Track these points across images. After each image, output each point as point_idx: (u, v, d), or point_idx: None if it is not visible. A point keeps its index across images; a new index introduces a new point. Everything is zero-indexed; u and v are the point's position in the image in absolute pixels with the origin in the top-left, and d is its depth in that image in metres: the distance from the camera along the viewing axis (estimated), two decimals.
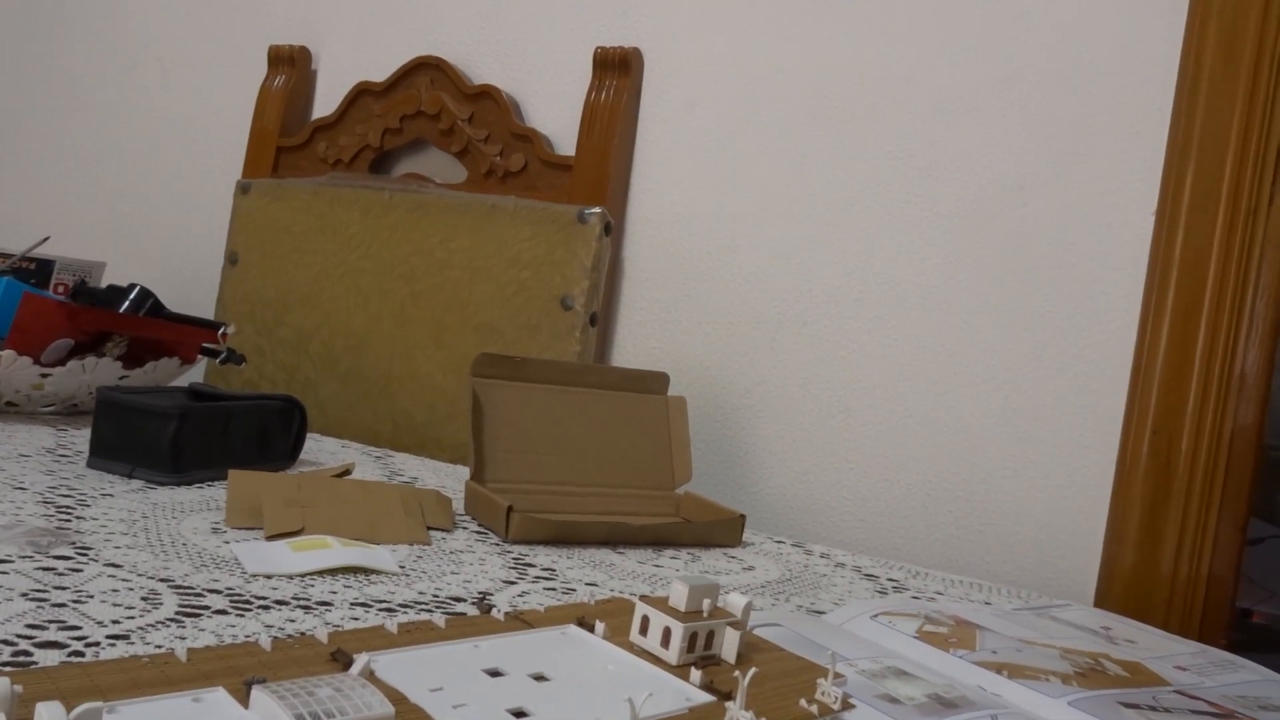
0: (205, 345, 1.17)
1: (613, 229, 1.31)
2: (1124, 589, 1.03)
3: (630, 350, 1.34)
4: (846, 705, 0.52)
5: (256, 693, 0.42)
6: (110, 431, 0.88)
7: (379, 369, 1.37)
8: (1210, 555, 1.03)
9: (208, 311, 1.55)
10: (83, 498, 0.78)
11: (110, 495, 0.80)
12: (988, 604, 0.82)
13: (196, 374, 1.45)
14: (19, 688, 0.39)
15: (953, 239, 1.16)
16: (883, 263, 1.20)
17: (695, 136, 1.32)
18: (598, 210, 1.29)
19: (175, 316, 1.20)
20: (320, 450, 1.12)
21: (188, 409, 0.88)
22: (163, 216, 1.80)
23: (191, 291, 1.58)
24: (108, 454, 0.88)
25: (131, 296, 1.16)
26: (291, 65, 1.60)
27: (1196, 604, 1.02)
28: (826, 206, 1.23)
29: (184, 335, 1.16)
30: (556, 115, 1.41)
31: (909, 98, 1.20)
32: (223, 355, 1.17)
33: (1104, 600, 1.03)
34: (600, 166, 1.33)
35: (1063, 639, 0.73)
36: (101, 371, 1.09)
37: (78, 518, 0.73)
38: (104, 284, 1.32)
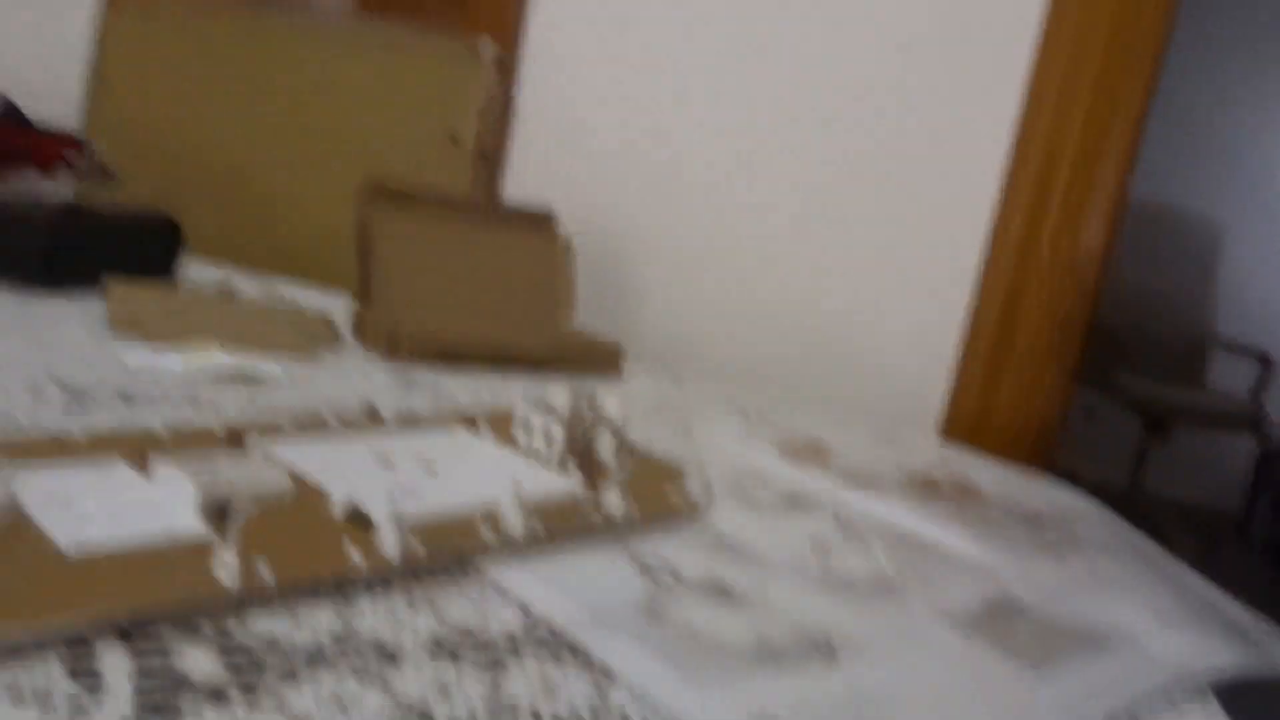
0: (69, 159, 1.12)
1: (506, 66, 1.29)
2: (964, 427, 1.13)
3: (520, 191, 1.34)
4: (710, 500, 0.58)
5: (158, 463, 0.44)
6: None
7: (260, 197, 1.34)
8: (1041, 403, 1.14)
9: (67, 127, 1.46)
10: None
11: None
12: (843, 430, 0.89)
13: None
14: None
15: (832, 102, 1.20)
16: (764, 122, 1.23)
17: None
18: (491, 45, 1.27)
19: (33, 125, 1.14)
20: (200, 276, 1.10)
21: (61, 217, 0.85)
22: (13, 32, 1.66)
23: (52, 112, 1.48)
24: None
25: None
26: None
27: (1025, 444, 1.14)
28: (718, 52, 1.25)
29: (47, 145, 1.11)
30: None
31: None
32: (90, 171, 1.12)
33: (946, 435, 1.14)
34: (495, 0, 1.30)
35: (904, 461, 0.81)
36: None
37: None
38: None
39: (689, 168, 1.27)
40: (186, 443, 0.50)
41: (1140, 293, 3.23)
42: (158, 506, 0.42)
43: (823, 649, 0.42)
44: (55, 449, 0.46)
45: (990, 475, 0.83)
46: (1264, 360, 3.11)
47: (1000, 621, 0.49)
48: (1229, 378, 3.24)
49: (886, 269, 1.19)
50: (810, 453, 0.76)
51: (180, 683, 0.31)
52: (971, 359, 1.15)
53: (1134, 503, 3.09)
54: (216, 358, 0.72)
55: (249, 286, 1.08)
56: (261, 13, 1.39)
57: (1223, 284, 3.37)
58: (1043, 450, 1.18)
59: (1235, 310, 3.42)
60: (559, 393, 0.60)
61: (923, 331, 1.17)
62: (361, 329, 0.91)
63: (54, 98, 1.50)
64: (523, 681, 0.35)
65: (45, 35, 1.62)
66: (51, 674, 0.31)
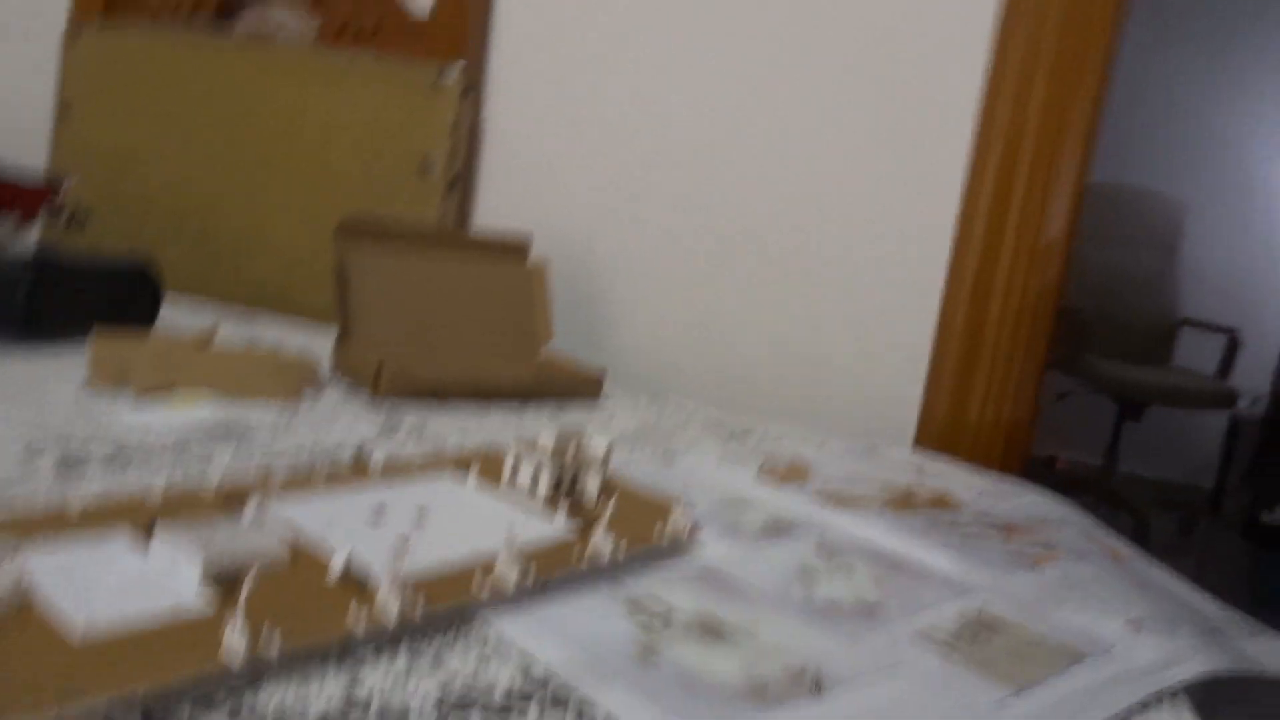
0: (46, 204, 1.12)
1: (472, 90, 1.31)
2: (939, 432, 1.16)
3: (492, 216, 1.36)
4: (695, 531, 0.59)
5: (159, 533, 0.46)
6: None
7: (231, 230, 1.35)
8: (1011, 402, 1.16)
9: (37, 165, 1.46)
10: None
11: None
12: (820, 446, 0.91)
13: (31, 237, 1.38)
14: None
15: (794, 113, 1.22)
16: (733, 137, 1.25)
17: None
18: (457, 70, 1.28)
19: (7, 175, 1.14)
20: (176, 314, 1.11)
21: (39, 271, 0.86)
22: None
23: (17, 145, 1.48)
24: None
25: None
26: None
27: (998, 444, 1.16)
28: (685, 72, 1.26)
29: (19, 195, 1.11)
30: None
31: None
32: (64, 217, 1.12)
33: (921, 442, 1.16)
34: (458, 26, 1.31)
35: (882, 474, 0.83)
36: None
37: None
38: None
39: (659, 188, 1.29)
40: (184, 507, 0.51)
41: (1106, 275, 3.28)
42: (162, 579, 0.43)
43: (811, 681, 0.44)
44: (55, 521, 0.48)
45: (966, 483, 0.85)
46: (1231, 336, 3.16)
47: (980, 640, 0.52)
48: (1196, 355, 3.29)
49: (856, 279, 1.21)
50: (790, 472, 0.78)
51: None
52: (943, 359, 1.18)
53: (1111, 484, 3.14)
54: (203, 408, 0.73)
55: (228, 325, 1.09)
56: (225, 42, 1.40)
57: (1186, 262, 3.42)
58: (1020, 442, 1.21)
59: (1199, 288, 3.48)
60: (545, 432, 0.61)
61: (896, 337, 1.19)
62: (343, 366, 0.92)
63: (19, 136, 1.50)
64: None
65: (8, 75, 1.61)
66: None
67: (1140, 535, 2.88)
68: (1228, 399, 3.05)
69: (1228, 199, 3.52)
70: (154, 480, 0.59)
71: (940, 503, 0.76)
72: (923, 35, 1.17)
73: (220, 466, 0.63)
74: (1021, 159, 1.14)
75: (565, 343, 1.14)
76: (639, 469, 0.73)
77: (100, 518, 0.48)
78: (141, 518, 0.49)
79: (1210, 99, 3.52)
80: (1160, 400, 3.11)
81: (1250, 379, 3.22)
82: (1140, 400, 3.09)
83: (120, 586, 0.42)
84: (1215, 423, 3.37)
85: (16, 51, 1.60)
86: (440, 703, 0.38)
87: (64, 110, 1.45)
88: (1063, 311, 1.24)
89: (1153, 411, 3.16)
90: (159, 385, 0.77)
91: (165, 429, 0.69)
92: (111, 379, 0.77)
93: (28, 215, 1.12)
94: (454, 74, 1.28)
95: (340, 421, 0.78)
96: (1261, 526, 2.86)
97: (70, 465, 0.59)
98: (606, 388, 1.03)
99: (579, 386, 0.99)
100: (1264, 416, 3.16)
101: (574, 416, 0.92)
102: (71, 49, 1.45)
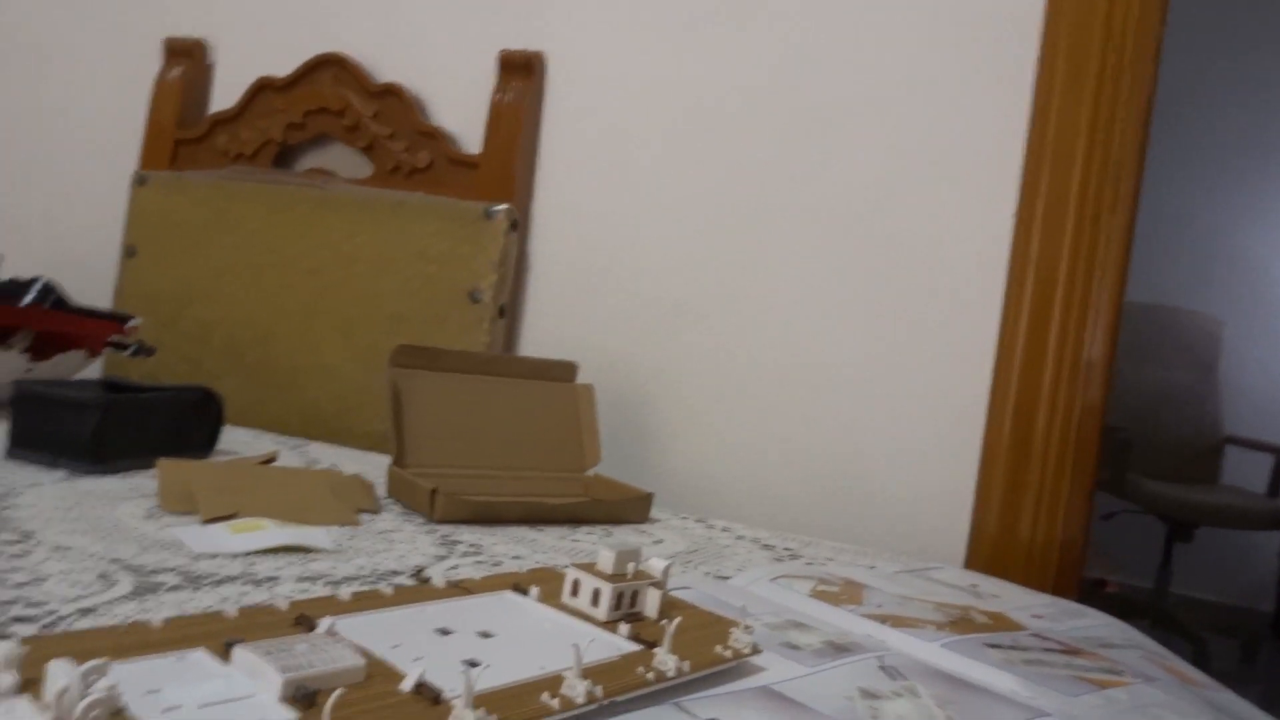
0: (113, 338, 1.17)
1: (519, 225, 1.36)
2: (989, 552, 1.14)
3: (537, 341, 1.39)
4: (756, 650, 0.59)
5: (238, 650, 0.47)
6: (30, 423, 0.89)
7: (286, 361, 1.39)
8: (1062, 521, 1.15)
9: (103, 305, 1.53)
10: (11, 487, 0.79)
11: (39, 485, 0.81)
12: (872, 567, 0.91)
13: (95, 366, 1.44)
14: (26, 648, 0.43)
15: (832, 239, 1.26)
16: (769, 260, 1.29)
17: (595, 139, 1.39)
18: (504, 206, 1.34)
19: (80, 310, 1.20)
20: (234, 440, 1.14)
21: (109, 400, 0.90)
22: (50, 209, 1.76)
23: (85, 285, 1.55)
24: (28, 445, 0.89)
25: (36, 289, 1.15)
26: (189, 57, 1.58)
27: (1051, 564, 1.14)
28: (716, 208, 1.31)
29: (91, 328, 1.16)
30: (461, 114, 1.45)
31: (789, 109, 1.28)
32: (132, 348, 1.17)
33: (972, 563, 1.15)
34: (505, 165, 1.38)
35: (936, 595, 0.83)
36: (7, 365, 1.08)
37: (12, 506, 0.74)
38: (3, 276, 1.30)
39: (701, 308, 1.32)
40: (258, 627, 0.52)
41: (1146, 394, 3.26)
42: (244, 695, 0.44)
43: None
44: (137, 640, 0.49)
45: (1023, 604, 0.84)
46: (1278, 454, 3.11)
47: None
48: (1243, 474, 3.23)
49: (902, 402, 1.22)
50: (844, 593, 0.78)
51: None
52: (990, 480, 1.18)
53: (1164, 607, 3.04)
54: (268, 531, 0.75)
55: (286, 451, 1.12)
56: (283, 184, 1.47)
57: (1226, 380, 3.40)
58: (1073, 562, 1.19)
59: (1242, 405, 3.44)
60: (603, 552, 0.62)
61: (942, 457, 1.19)
62: (399, 490, 0.94)
63: (89, 276, 1.58)
64: None
65: (80, 221, 1.70)
66: None
67: (1199, 661, 2.77)
68: None
69: (1263, 315, 3.52)
70: (224, 601, 0.60)
71: (999, 624, 0.76)
72: (952, 170, 1.21)
73: (287, 588, 0.65)
74: (1056, 286, 1.16)
75: (610, 466, 1.16)
76: (693, 591, 0.73)
77: (179, 637, 0.50)
78: (218, 637, 0.50)
79: (1234, 216, 3.56)
80: (1210, 521, 3.04)
81: None
82: (1189, 521, 3.02)
83: (204, 702, 0.43)
84: (1271, 543, 3.28)
85: (88, 198, 1.69)
86: None
87: (129, 253, 1.53)
88: (1105, 430, 1.24)
89: (1203, 532, 3.09)
90: (223, 509, 0.79)
91: (232, 552, 0.70)
92: (178, 505, 0.80)
93: (97, 348, 1.17)
94: (501, 210, 1.34)
95: (399, 543, 0.79)
96: None
97: (146, 588, 0.61)
98: (653, 510, 1.03)
99: (627, 508, 1.00)
100: None
101: (623, 537, 0.92)
102: (138, 196, 1.53)
